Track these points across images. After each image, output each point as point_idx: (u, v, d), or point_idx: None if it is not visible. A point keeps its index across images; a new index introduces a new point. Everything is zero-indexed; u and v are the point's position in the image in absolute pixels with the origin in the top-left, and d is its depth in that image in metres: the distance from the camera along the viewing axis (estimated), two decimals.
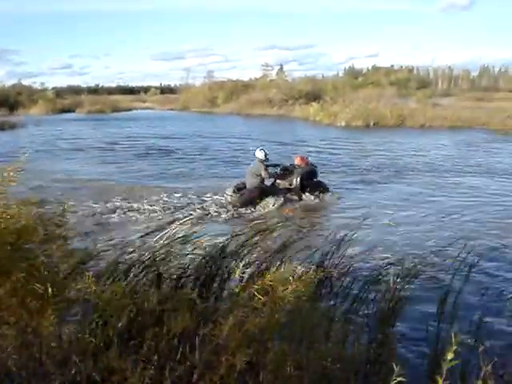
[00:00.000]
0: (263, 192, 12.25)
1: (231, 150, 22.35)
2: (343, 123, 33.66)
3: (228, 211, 11.47)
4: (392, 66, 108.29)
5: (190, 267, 4.10)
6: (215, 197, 12.64)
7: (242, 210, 11.65)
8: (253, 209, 11.73)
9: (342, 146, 23.64)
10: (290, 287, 3.32)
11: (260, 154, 12.47)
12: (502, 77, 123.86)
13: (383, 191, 13.62)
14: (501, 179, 15.49)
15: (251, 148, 21.97)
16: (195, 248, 4.29)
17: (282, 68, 72.01)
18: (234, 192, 12.19)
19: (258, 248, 4.64)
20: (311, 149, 22.15)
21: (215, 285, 4.12)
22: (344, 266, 4.93)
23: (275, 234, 5.11)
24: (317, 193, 12.91)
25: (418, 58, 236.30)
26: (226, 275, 4.21)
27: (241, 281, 4.11)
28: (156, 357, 3.18)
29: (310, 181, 12.97)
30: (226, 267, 4.24)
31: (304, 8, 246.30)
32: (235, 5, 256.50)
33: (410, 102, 44.29)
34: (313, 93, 48.26)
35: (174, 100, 66.12)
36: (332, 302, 4.45)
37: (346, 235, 5.48)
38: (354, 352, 3.69)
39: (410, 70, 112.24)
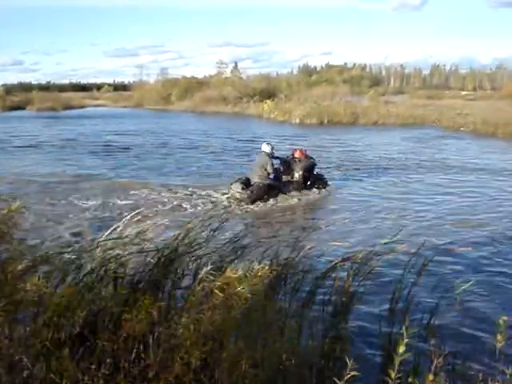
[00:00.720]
0: (270, 187, 12.33)
1: (189, 147, 22.18)
2: (297, 120, 33.84)
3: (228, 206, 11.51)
4: (345, 63, 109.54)
5: (144, 265, 4.05)
6: (185, 192, 12.74)
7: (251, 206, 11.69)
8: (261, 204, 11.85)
9: (297, 142, 23.76)
10: (245, 284, 3.32)
11: (267, 148, 12.51)
12: (452, 75, 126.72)
13: (342, 188, 13.71)
14: (454, 175, 15.83)
15: (214, 144, 22.10)
16: (148, 245, 4.24)
17: (236, 65, 71.96)
18: (242, 189, 11.96)
19: (214, 244, 4.61)
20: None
21: (170, 283, 4.08)
22: (299, 261, 4.95)
23: (231, 230, 5.09)
24: (317, 186, 13.13)
25: (371, 56, 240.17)
26: (181, 273, 4.18)
27: (196, 278, 4.09)
28: (110, 358, 3.14)
29: (311, 174, 13.14)
30: (181, 265, 4.21)
31: (259, 5, 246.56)
32: (190, 2, 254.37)
33: (363, 100, 44.82)
34: (267, 90, 48.32)
35: (128, 97, 65.24)
36: (287, 298, 4.47)
37: (303, 231, 5.52)
38: (309, 347, 3.72)
39: (363, 68, 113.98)
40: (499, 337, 3.19)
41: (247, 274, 3.45)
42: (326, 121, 33.34)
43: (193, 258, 4.30)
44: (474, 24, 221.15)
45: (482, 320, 5.70)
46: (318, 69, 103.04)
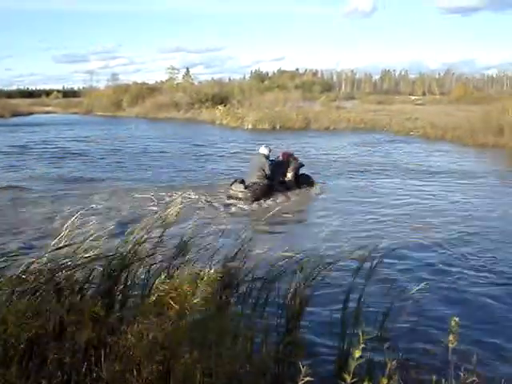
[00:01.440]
0: (269, 187, 12.95)
1: (142, 153, 21.94)
2: (250, 126, 33.88)
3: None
4: (297, 69, 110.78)
5: (92, 275, 3.96)
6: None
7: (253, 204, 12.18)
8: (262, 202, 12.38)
9: (251, 147, 23.91)
10: (196, 291, 3.28)
11: (265, 151, 13.24)
12: (402, 80, 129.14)
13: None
14: (406, 178, 16.13)
15: (166, 151, 21.92)
16: (97, 253, 4.14)
17: (188, 71, 71.85)
18: (244, 188, 12.46)
19: (164, 249, 4.54)
20: (223, 150, 22.22)
21: (119, 292, 4.00)
22: (251, 265, 4.92)
23: (182, 235, 5.01)
24: (305, 186, 13.83)
25: (323, 61, 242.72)
26: (132, 281, 4.10)
27: (146, 287, 4.03)
28: (60, 372, 3.06)
29: (301, 174, 13.97)
30: (131, 273, 4.13)
31: (210, 11, 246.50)
32: (141, 7, 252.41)
33: (314, 105, 45.26)
34: (219, 96, 48.32)
35: (78, 104, 64.07)
36: (240, 305, 4.44)
37: (254, 233, 5.48)
38: (263, 354, 3.70)
39: (315, 74, 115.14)
40: (451, 337, 3.22)
41: (197, 281, 3.40)
42: (278, 126, 33.48)
43: (143, 266, 4.23)
44: (423, 30, 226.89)
45: (435, 321, 5.77)
46: (270, 74, 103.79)
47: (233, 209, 11.82)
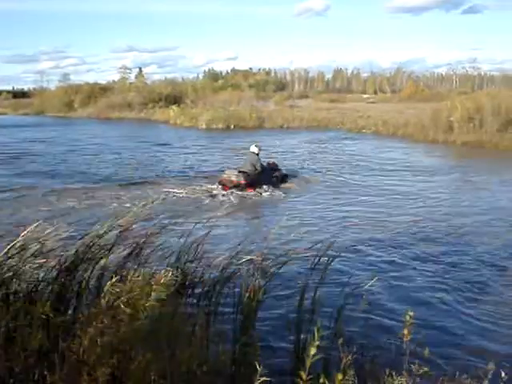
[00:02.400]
0: (259, 179, 14.16)
1: (94, 154, 21.60)
2: (204, 126, 33.76)
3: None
4: (250, 68, 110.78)
5: (44, 278, 3.86)
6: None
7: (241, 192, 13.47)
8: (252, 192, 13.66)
9: (207, 146, 23.94)
10: (150, 292, 3.23)
11: (255, 149, 14.65)
12: (354, 79, 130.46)
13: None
14: (364, 175, 16.49)
15: (117, 152, 21.62)
16: (49, 255, 4.04)
17: (140, 71, 71.32)
18: (238, 172, 13.88)
19: (118, 250, 4.46)
20: (175, 150, 22.08)
21: (72, 295, 3.91)
22: (206, 265, 4.88)
23: (136, 234, 4.93)
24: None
25: (276, 60, 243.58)
26: (84, 284, 4.01)
27: (100, 289, 3.95)
28: (11, 379, 2.97)
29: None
30: (84, 275, 4.05)
31: (163, 10, 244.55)
32: (92, 5, 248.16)
33: (268, 104, 45.42)
34: (173, 96, 48.02)
35: (28, 104, 62.63)
36: (195, 304, 4.40)
37: (208, 232, 5.44)
38: (219, 354, 3.66)
39: (268, 73, 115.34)
40: (405, 331, 3.26)
41: (151, 283, 3.35)
42: (232, 125, 33.48)
43: (96, 268, 4.15)
44: (375, 29, 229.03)
45: (389, 316, 5.86)
46: (223, 74, 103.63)
47: (193, 206, 11.80)
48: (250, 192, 13.59)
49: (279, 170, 15.37)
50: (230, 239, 8.28)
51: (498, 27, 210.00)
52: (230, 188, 13.59)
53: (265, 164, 14.94)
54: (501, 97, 25.55)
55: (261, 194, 13.64)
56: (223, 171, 14.46)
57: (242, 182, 13.66)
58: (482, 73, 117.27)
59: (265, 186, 14.02)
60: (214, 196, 13.22)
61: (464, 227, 10.15)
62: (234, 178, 13.72)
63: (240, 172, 13.90)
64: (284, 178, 15.27)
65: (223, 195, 13.31)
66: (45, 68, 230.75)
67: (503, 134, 22.77)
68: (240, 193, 13.43)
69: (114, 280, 3.56)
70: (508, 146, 21.87)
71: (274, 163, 15.59)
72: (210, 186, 14.17)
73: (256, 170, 14.18)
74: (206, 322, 3.99)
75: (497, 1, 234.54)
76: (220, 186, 13.81)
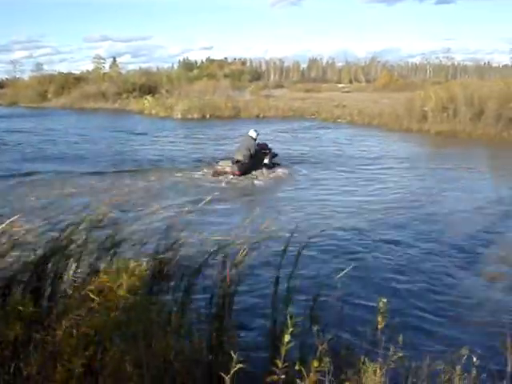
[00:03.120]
0: (253, 164, 14.78)
1: (70, 145, 21.30)
2: (179, 115, 33.55)
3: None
4: (226, 58, 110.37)
5: (19, 270, 3.83)
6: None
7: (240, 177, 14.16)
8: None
9: (181, 135, 23.89)
10: (123, 283, 3.22)
11: (254, 134, 15.26)
12: (329, 68, 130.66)
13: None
14: (340, 165, 16.66)
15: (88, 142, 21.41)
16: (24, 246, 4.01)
17: (115, 60, 70.61)
18: (232, 163, 14.36)
19: (91, 241, 4.43)
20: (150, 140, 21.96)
21: (47, 287, 3.88)
22: (182, 254, 4.87)
23: (113, 224, 4.89)
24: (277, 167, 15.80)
25: (251, 50, 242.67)
26: (59, 275, 3.98)
27: (74, 280, 3.93)
28: None
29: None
30: (59, 267, 4.02)
31: None
32: None
33: (244, 94, 45.35)
34: (148, 85, 47.58)
35: (1, 95, 61.74)
36: (171, 293, 4.39)
37: (190, 220, 5.43)
38: (195, 343, 3.67)
39: (244, 63, 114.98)
40: (379, 318, 3.30)
41: (123, 273, 3.33)
42: (208, 115, 33.32)
43: (72, 259, 4.12)
44: (350, 19, 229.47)
45: (364, 303, 5.92)
46: (198, 63, 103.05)
47: (174, 194, 11.79)
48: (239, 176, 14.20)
49: (270, 149, 15.86)
50: (208, 227, 8.28)
51: (470, 17, 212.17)
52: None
53: (257, 147, 15.33)
54: (474, 87, 25.82)
55: (253, 183, 14.05)
56: (217, 162, 14.86)
57: (237, 172, 14.19)
58: (456, 63, 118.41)
59: (256, 172, 14.68)
60: (199, 184, 13.33)
61: (437, 214, 10.30)
62: (228, 169, 14.28)
63: (235, 162, 14.36)
64: (274, 157, 15.88)
65: (212, 182, 13.59)
66: (18, 58, 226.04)
67: (476, 123, 23.01)
68: (230, 178, 14.04)
69: (90, 270, 3.55)
70: (481, 135, 22.14)
71: (264, 144, 16.02)
72: (194, 174, 14.38)
73: (251, 154, 14.66)
74: (181, 312, 3.99)
75: None
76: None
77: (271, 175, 14.81)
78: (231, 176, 14.10)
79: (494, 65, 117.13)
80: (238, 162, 14.45)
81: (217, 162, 14.91)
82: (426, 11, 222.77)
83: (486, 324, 5.66)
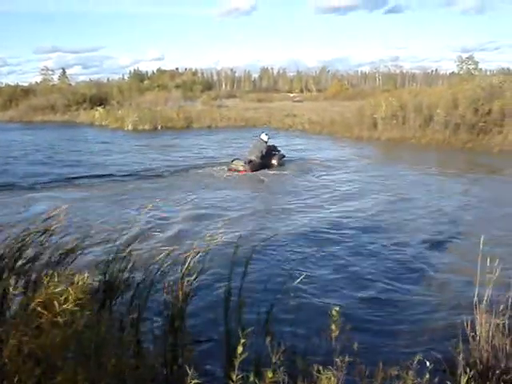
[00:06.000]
0: (263, 164, 17.04)
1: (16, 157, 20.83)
2: (130, 127, 33.16)
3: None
4: (177, 68, 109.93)
5: None
6: None
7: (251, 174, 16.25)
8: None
9: (127, 148, 23.62)
10: (70, 297, 3.12)
11: (265, 137, 17.58)
12: (280, 78, 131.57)
13: (178, 188, 13.73)
14: (295, 172, 16.97)
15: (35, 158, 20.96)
16: None
17: (64, 72, 69.65)
18: (244, 163, 16.52)
19: (38, 254, 4.30)
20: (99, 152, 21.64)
21: None
22: (134, 265, 4.76)
23: (58, 236, 4.76)
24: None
25: (202, 61, 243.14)
26: (2, 292, 3.85)
27: (23, 297, 3.81)
28: None
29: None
30: (7, 282, 3.89)
31: (87, 10, 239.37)
32: (12, 5, 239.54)
33: (196, 104, 45.28)
34: (98, 97, 47.02)
35: None
36: (122, 308, 4.29)
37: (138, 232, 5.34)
38: (150, 358, 3.60)
39: (195, 73, 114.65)
40: (333, 327, 3.29)
41: (74, 288, 3.23)
42: (159, 126, 33.05)
43: (14, 272, 3.99)
44: (301, 29, 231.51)
45: (317, 311, 5.92)
46: (149, 74, 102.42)
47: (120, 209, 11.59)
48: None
49: (278, 151, 18.05)
50: (164, 238, 8.20)
51: (419, 26, 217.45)
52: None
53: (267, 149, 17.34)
54: (422, 94, 26.39)
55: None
56: (232, 161, 16.85)
57: (249, 171, 16.33)
58: (404, 71, 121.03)
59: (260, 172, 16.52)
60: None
61: (389, 218, 10.43)
62: (241, 168, 16.43)
63: (248, 162, 16.57)
64: (282, 158, 17.93)
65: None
66: None
67: (425, 130, 23.47)
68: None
69: (33, 282, 3.44)
70: (429, 141, 22.60)
71: (273, 146, 18.04)
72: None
73: (262, 154, 16.94)
74: (135, 326, 3.90)
75: (418, 1, 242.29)
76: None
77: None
78: (243, 173, 16.19)
79: (442, 72, 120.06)
80: (250, 161, 16.64)
81: (231, 161, 16.90)
82: (376, 21, 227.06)
83: (440, 328, 5.72)
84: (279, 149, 18.31)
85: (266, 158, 17.30)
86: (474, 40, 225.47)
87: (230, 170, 16.55)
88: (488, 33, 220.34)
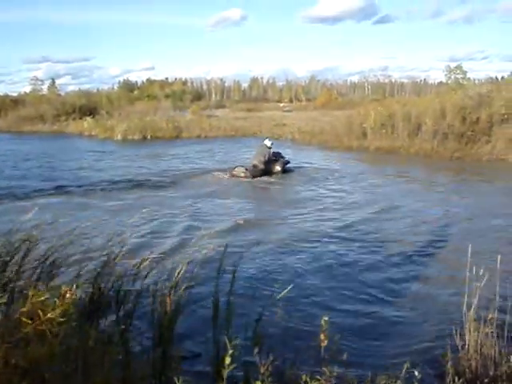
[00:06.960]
0: (265, 170, 17.50)
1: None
2: (120, 137, 33.04)
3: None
4: (167, 78, 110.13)
5: None
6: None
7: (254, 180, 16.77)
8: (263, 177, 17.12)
9: (116, 157, 23.55)
10: (57, 310, 3.08)
11: (268, 143, 18.11)
12: (270, 88, 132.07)
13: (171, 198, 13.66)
14: (286, 182, 16.86)
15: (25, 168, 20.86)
16: None
17: (53, 82, 69.55)
18: (245, 169, 17.06)
19: (25, 263, 4.27)
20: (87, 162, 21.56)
21: None
22: (119, 277, 4.73)
23: (44, 247, 4.72)
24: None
25: (193, 70, 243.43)
26: None
27: (8, 308, 3.77)
28: None
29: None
30: None
31: (78, 20, 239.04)
32: (5, 15, 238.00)
33: (185, 114, 45.28)
34: (88, 107, 46.86)
35: None
36: (109, 320, 4.26)
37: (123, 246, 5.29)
38: (138, 370, 3.57)
39: (185, 83, 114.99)
40: (322, 336, 3.28)
41: (59, 300, 3.20)
42: (149, 136, 32.97)
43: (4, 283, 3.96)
44: (290, 39, 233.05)
45: (305, 322, 5.90)
46: (139, 84, 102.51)
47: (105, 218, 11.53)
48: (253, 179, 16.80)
49: (283, 157, 18.48)
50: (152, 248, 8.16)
51: (408, 37, 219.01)
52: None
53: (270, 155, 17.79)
54: (410, 104, 26.51)
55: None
56: (234, 168, 17.36)
57: (250, 178, 16.84)
58: (393, 80, 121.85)
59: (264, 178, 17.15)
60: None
61: (377, 229, 10.42)
62: (242, 175, 16.96)
63: (250, 168, 17.17)
64: (286, 164, 18.30)
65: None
66: None
67: (413, 139, 23.53)
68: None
69: (19, 293, 3.40)
70: (418, 150, 22.63)
71: (278, 152, 18.54)
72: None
73: (265, 160, 17.36)
74: (122, 340, 3.87)
75: (406, 12, 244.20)
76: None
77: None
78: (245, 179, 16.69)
79: (430, 82, 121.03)
80: (254, 166, 17.29)
81: (234, 168, 17.31)
82: (365, 31, 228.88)
83: (428, 337, 5.71)
84: (284, 155, 18.70)
85: (269, 164, 17.67)
86: (463, 50, 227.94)
87: (232, 176, 17.01)
88: (476, 43, 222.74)
